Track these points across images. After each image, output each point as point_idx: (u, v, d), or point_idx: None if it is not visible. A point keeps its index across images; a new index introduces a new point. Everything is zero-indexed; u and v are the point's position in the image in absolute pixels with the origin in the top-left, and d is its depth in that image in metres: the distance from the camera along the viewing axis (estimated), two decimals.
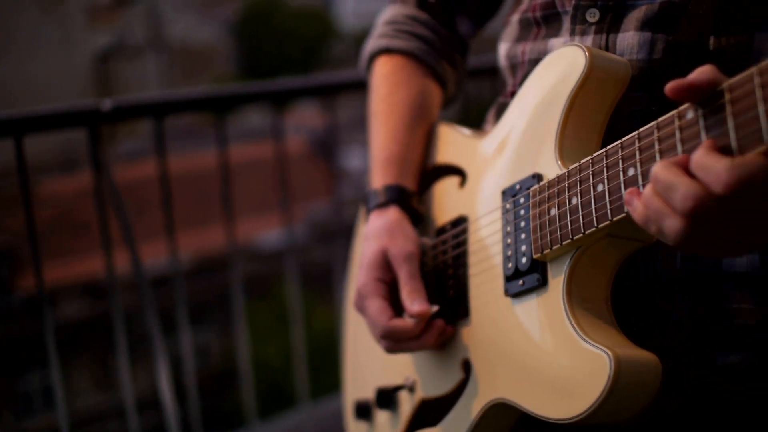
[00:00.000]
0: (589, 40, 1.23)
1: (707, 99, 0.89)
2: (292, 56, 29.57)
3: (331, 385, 3.40)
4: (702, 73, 0.89)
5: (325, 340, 11.15)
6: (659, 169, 0.90)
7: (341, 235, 2.70)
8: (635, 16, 1.18)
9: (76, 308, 15.94)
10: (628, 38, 1.19)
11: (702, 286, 1.17)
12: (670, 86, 0.90)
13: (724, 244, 0.93)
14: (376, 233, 1.39)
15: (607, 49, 1.21)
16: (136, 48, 28.91)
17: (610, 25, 1.21)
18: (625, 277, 1.17)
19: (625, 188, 1.00)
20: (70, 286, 15.79)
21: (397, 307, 1.35)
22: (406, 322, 1.31)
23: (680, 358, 1.19)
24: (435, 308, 1.31)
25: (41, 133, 2.38)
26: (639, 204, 0.94)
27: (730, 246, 0.94)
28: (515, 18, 1.43)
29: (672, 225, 0.90)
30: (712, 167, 0.83)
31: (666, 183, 0.88)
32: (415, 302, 1.30)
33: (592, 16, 1.22)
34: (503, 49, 1.47)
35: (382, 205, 1.41)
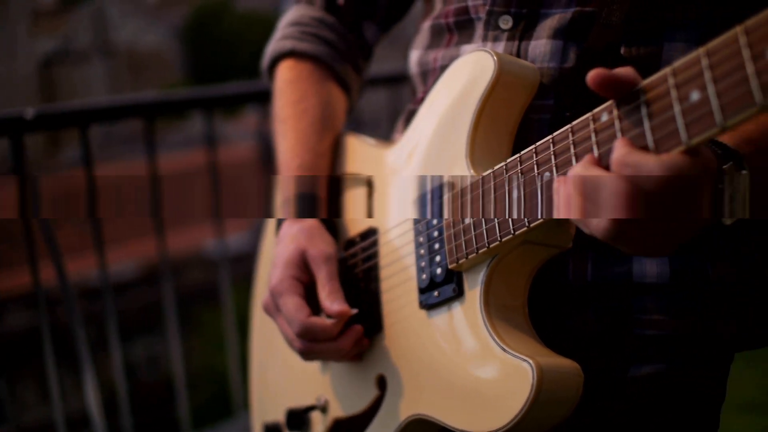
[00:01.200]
0: (501, 46, 1.22)
1: (622, 101, 0.88)
2: (241, 61, 29.32)
3: None
4: (625, 70, 0.88)
5: None
6: (580, 170, 0.89)
7: None
8: (548, 24, 1.18)
9: (22, 319, 15.61)
10: (541, 46, 1.18)
11: (613, 297, 1.16)
12: (593, 74, 0.88)
13: (650, 239, 0.92)
14: (292, 235, 1.34)
15: (519, 56, 1.20)
16: (82, 53, 28.45)
17: (523, 32, 1.20)
18: (537, 290, 1.16)
19: (542, 193, 0.98)
20: (16, 297, 15.45)
21: (314, 310, 1.29)
22: (325, 320, 1.25)
23: (593, 371, 1.17)
24: (354, 311, 1.27)
25: None
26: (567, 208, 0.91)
27: (657, 242, 0.93)
28: (427, 25, 1.41)
29: (599, 222, 0.89)
30: (643, 164, 0.83)
31: (591, 182, 0.87)
32: (335, 302, 1.25)
33: (505, 22, 1.22)
34: (414, 56, 1.45)
35: (296, 215, 1.36)
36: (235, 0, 32.34)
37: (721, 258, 1.16)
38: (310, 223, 1.35)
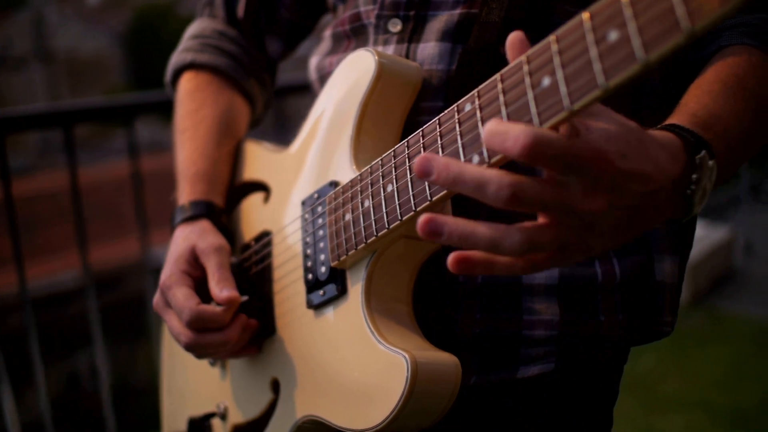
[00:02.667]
0: (390, 49, 1.22)
1: (483, 90, 0.88)
2: None
3: None
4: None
5: None
6: (469, 172, 0.80)
7: None
8: (435, 26, 1.19)
9: None
10: (429, 48, 1.19)
11: (502, 298, 1.18)
12: (513, 35, 0.84)
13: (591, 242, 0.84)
14: (184, 236, 1.32)
15: (407, 58, 1.20)
16: (20, 59, 27.88)
17: (412, 34, 1.21)
18: (426, 292, 1.17)
19: (413, 187, 0.98)
20: None
21: (205, 302, 1.26)
22: (215, 308, 1.22)
23: (482, 374, 1.19)
24: (244, 298, 1.26)
25: None
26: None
27: (602, 240, 0.86)
28: (328, 33, 1.42)
29: (511, 239, 0.80)
30: (510, 130, 0.76)
31: (477, 180, 0.80)
32: (224, 289, 1.23)
33: (395, 26, 1.22)
34: (313, 62, 1.45)
35: (190, 219, 1.35)
36: (177, 4, 32.01)
37: (607, 256, 1.18)
38: (203, 224, 1.34)
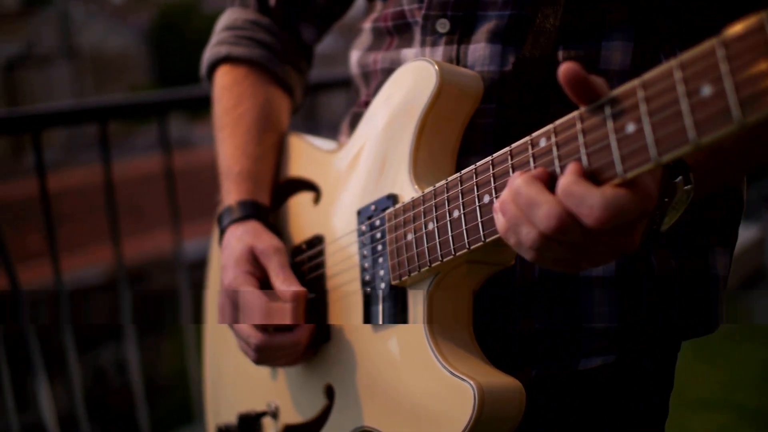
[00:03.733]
0: (440, 51, 1.20)
1: (560, 128, 0.87)
2: None
3: None
4: (599, 79, 0.84)
5: None
6: (521, 183, 0.87)
7: None
8: (486, 27, 1.17)
9: None
10: (479, 50, 1.17)
11: (560, 292, 1.17)
12: (566, 69, 0.82)
13: (580, 263, 0.91)
14: (237, 237, 1.31)
15: (458, 60, 1.19)
16: (46, 56, 28.15)
17: (461, 36, 1.19)
18: (484, 291, 1.15)
19: (481, 215, 0.98)
20: None
21: None
22: (285, 305, 1.22)
23: (543, 367, 1.18)
24: (312, 295, 1.26)
25: None
26: (503, 218, 0.90)
27: (586, 264, 0.93)
28: (368, 26, 1.40)
29: (528, 233, 0.87)
30: (585, 199, 0.80)
31: (528, 199, 0.86)
32: (291, 285, 1.23)
33: (443, 26, 1.20)
34: (355, 56, 1.43)
35: (239, 220, 1.34)
36: (201, 1, 32.21)
37: (663, 247, 1.17)
38: (254, 224, 1.33)
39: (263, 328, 1.24)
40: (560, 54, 1.12)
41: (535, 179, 0.87)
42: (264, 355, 1.26)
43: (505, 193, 0.89)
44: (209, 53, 1.52)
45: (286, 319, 1.22)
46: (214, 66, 1.52)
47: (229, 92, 1.47)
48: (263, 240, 1.29)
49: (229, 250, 1.32)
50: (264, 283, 1.28)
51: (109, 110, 2.55)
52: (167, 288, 12.37)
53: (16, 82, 26.83)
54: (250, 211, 1.35)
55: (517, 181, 0.88)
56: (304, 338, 1.24)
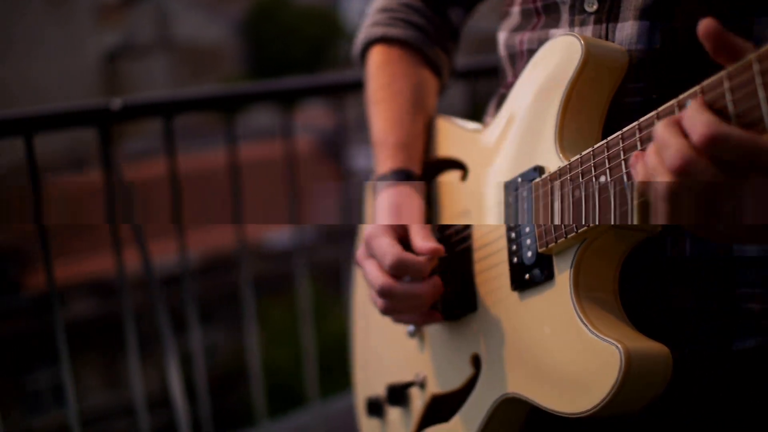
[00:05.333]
0: (588, 30, 1.21)
1: (708, 87, 0.88)
2: (299, 56, 29.59)
3: (340, 385, 3.40)
4: (743, 40, 0.86)
5: (334, 340, 11.16)
6: (660, 127, 0.90)
7: (349, 235, 2.71)
8: (633, 4, 1.17)
9: (85, 307, 16.00)
10: (627, 28, 1.17)
11: (713, 271, 1.16)
12: (706, 23, 0.85)
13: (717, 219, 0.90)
14: (388, 195, 1.38)
15: (607, 38, 1.19)
16: (144, 47, 28.98)
17: (609, 14, 1.19)
18: (635, 267, 1.17)
19: (628, 180, 0.99)
20: (80, 285, 15.84)
21: None
22: (417, 257, 1.28)
23: (695, 346, 1.18)
24: (445, 255, 1.31)
25: (51, 132, 2.38)
26: (640, 165, 0.94)
27: (726, 227, 0.93)
28: (516, 9, 1.42)
29: (661, 175, 0.89)
30: (695, 117, 0.84)
31: (662, 141, 0.89)
32: (428, 241, 1.29)
33: (591, 5, 1.21)
34: (501, 38, 1.45)
35: (391, 187, 1.40)
36: None
37: None
38: (407, 188, 1.39)
39: (392, 276, 1.29)
40: None
41: (673, 124, 0.90)
42: (388, 303, 1.31)
43: (649, 146, 0.93)
44: (364, 33, 1.60)
45: (415, 271, 1.27)
46: (367, 46, 1.60)
47: (383, 70, 1.54)
48: (412, 201, 1.35)
49: (377, 208, 1.39)
50: (402, 242, 1.33)
51: (233, 99, 2.64)
52: (268, 275, 12.66)
53: (116, 72, 27.70)
54: (403, 178, 1.41)
55: (657, 126, 0.91)
56: (427, 292, 1.28)
